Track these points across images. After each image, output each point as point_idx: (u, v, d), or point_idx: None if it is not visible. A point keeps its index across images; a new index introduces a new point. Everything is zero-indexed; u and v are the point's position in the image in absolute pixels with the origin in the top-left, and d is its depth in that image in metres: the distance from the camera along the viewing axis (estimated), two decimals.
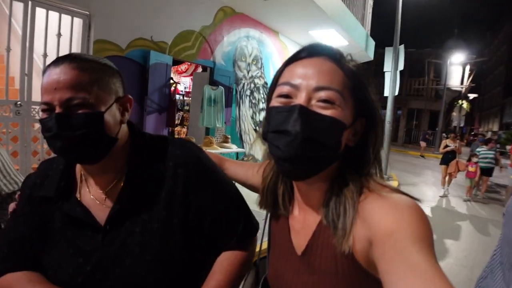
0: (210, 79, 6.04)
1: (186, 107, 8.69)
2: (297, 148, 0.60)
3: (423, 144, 18.81)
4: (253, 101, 7.48)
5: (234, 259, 0.91)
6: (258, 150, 7.76)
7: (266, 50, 7.60)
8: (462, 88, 24.37)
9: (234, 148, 5.97)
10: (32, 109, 3.62)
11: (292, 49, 8.63)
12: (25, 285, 0.81)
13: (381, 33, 11.20)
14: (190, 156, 0.89)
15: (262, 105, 7.79)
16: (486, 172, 8.58)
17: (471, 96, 30.64)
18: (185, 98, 8.94)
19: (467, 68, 24.57)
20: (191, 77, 8.67)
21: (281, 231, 0.80)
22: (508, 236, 1.26)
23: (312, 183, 0.70)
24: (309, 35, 7.97)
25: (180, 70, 8.65)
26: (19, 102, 3.50)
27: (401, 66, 9.13)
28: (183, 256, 0.84)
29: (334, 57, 0.67)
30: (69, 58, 0.77)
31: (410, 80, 24.27)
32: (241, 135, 7.15)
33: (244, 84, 7.02)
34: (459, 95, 25.08)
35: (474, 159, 8.30)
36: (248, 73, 7.10)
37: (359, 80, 0.66)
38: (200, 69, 7.48)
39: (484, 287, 1.07)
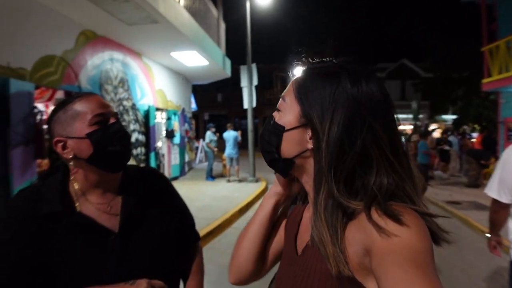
0: None
1: (46, 136, 7.90)
2: (260, 143, 0.74)
3: None
4: (124, 123, 7.40)
5: (201, 260, 1.24)
6: None
7: (131, 72, 7.64)
8: None
9: None
10: None
11: (156, 70, 8.87)
12: None
13: (237, 52, 12.39)
14: (162, 176, 1.21)
15: (132, 126, 7.76)
16: None
17: None
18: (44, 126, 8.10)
19: None
20: (47, 103, 7.97)
21: (290, 232, 0.79)
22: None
23: (305, 186, 0.72)
24: (171, 56, 8.36)
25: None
26: None
27: (255, 82, 10.32)
28: (175, 249, 1.09)
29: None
30: (91, 93, 1.02)
31: (263, 92, 27.05)
32: None
33: (113, 107, 6.91)
34: None
35: None
36: (115, 95, 7.04)
37: (302, 86, 0.66)
38: (60, 94, 6.99)
39: None
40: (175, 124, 10.21)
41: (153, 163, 8.49)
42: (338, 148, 0.59)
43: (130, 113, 7.66)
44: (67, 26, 5.49)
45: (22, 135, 4.52)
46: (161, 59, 8.76)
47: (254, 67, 10.47)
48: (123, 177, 1.04)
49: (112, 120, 0.96)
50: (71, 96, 0.97)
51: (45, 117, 8.15)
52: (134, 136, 7.87)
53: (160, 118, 9.41)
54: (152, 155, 8.60)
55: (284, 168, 0.70)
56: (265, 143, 0.71)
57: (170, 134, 9.70)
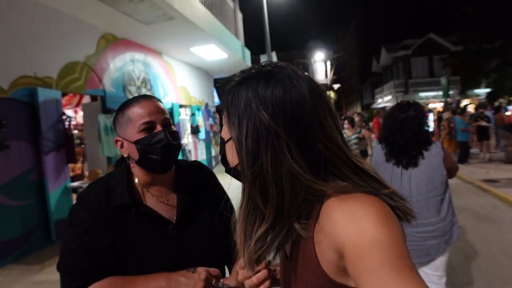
0: (103, 107, 5.94)
1: (77, 141, 8.17)
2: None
3: None
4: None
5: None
6: None
7: (152, 71, 7.73)
8: (327, 81, 27.94)
9: None
10: None
11: (176, 67, 8.92)
12: (121, 285, 0.95)
13: (255, 42, 12.29)
14: (209, 170, 1.29)
15: None
16: None
17: (336, 86, 35.26)
18: (73, 132, 8.38)
19: (328, 63, 28.34)
20: (75, 109, 8.22)
21: None
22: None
23: None
24: (190, 52, 8.37)
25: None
26: None
27: None
28: (223, 236, 1.15)
29: (222, 89, 0.69)
30: (148, 96, 1.08)
31: None
32: None
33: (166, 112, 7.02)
34: (326, 87, 28.71)
35: None
36: None
37: (227, 102, 0.64)
38: (87, 100, 7.19)
39: None
40: (200, 119, 10.28)
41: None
42: (251, 161, 0.59)
43: None
44: (88, 31, 5.59)
45: (53, 142, 4.67)
46: (181, 56, 8.80)
47: (274, 55, 10.37)
48: (176, 171, 1.15)
49: (158, 129, 1.04)
50: (130, 100, 1.07)
51: (74, 122, 8.44)
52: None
53: (184, 115, 9.50)
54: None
55: (236, 176, 0.67)
56: (221, 153, 0.73)
57: (195, 130, 9.79)
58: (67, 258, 0.97)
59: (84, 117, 6.55)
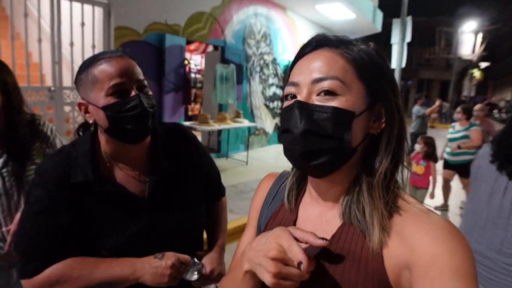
0: (221, 57, 6.32)
1: (199, 85, 8.99)
2: (299, 144, 0.58)
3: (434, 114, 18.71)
4: (263, 77, 7.74)
5: (226, 214, 1.25)
6: (269, 124, 8.09)
7: (274, 26, 7.76)
8: (473, 57, 23.96)
9: (246, 123, 6.32)
10: (64, 94, 4.00)
11: (299, 24, 8.76)
12: (82, 268, 0.87)
13: (392, 3, 11.11)
14: (191, 134, 1.15)
15: (271, 80, 8.05)
16: (458, 169, 4.43)
17: (483, 65, 30.04)
18: (197, 76, 9.22)
19: (479, 36, 24.07)
20: (202, 55, 8.92)
21: None
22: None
23: (332, 181, 0.64)
24: (315, 9, 8.06)
25: (190, 49, 8.89)
26: (52, 88, 3.87)
27: (408, 38, 9.15)
28: (203, 207, 1.11)
29: (333, 45, 0.62)
30: (117, 52, 0.92)
31: (421, 50, 23.94)
32: (252, 110, 7.47)
33: (254, 61, 7.27)
34: (471, 64, 24.71)
35: (419, 147, 3.99)
36: (257, 50, 7.33)
37: (365, 63, 0.60)
38: (210, 48, 7.71)
39: None
40: None
41: None
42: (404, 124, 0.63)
43: (270, 67, 7.92)
44: None
45: (173, 83, 5.23)
46: (305, 13, 8.56)
47: (409, 20, 9.23)
48: (151, 138, 1.01)
49: (133, 93, 0.88)
50: (96, 56, 0.89)
51: (199, 67, 9.22)
52: (272, 90, 8.17)
53: None
54: None
55: (341, 163, 0.61)
56: (324, 137, 0.58)
57: None
58: (22, 238, 0.89)
59: (205, 64, 7.11)
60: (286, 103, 0.63)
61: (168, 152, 1.02)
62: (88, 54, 3.99)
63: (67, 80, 4.03)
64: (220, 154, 6.69)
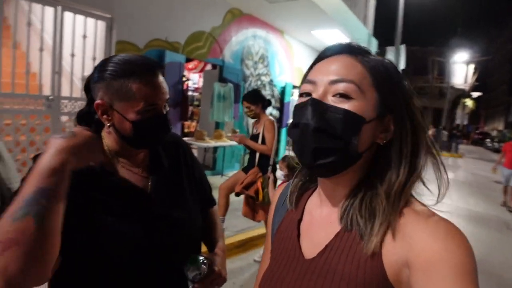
0: (220, 76, 6.42)
1: (196, 102, 9.07)
2: (308, 140, 0.60)
3: None
4: None
5: (220, 223, 1.27)
6: None
7: (272, 49, 7.94)
8: (466, 86, 24.53)
9: None
10: (61, 103, 4.02)
11: (296, 48, 8.98)
12: None
13: (386, 32, 11.47)
14: (184, 142, 1.20)
15: None
16: None
17: (475, 94, 30.73)
18: (194, 93, 9.32)
19: (471, 66, 24.75)
20: (200, 73, 9.05)
21: (287, 236, 0.74)
22: None
23: (338, 183, 0.66)
24: (311, 35, 8.30)
25: (189, 67, 9.02)
26: (51, 97, 3.89)
27: (402, 65, 9.42)
28: (199, 210, 1.13)
29: (354, 52, 0.64)
30: (152, 67, 0.93)
31: (414, 78, 24.49)
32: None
33: (251, 81, 7.39)
34: (463, 93, 25.24)
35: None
36: (255, 70, 7.46)
37: (381, 74, 0.62)
38: (209, 67, 7.85)
39: None
40: None
41: (284, 138, 8.81)
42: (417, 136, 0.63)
43: (267, 88, 8.03)
44: (217, 4, 6.03)
45: (172, 99, 5.25)
46: (302, 37, 8.80)
47: (402, 48, 9.55)
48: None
49: (160, 112, 0.91)
50: (133, 70, 0.88)
51: (196, 86, 9.34)
52: (268, 111, 8.24)
53: (295, 96, 9.59)
54: (284, 130, 8.91)
55: (346, 166, 0.63)
56: (333, 137, 0.60)
57: None
58: None
59: (204, 82, 7.23)
60: (301, 100, 0.65)
61: (166, 155, 1.07)
62: (89, 65, 4.10)
63: (66, 90, 4.07)
64: (215, 172, 6.67)
